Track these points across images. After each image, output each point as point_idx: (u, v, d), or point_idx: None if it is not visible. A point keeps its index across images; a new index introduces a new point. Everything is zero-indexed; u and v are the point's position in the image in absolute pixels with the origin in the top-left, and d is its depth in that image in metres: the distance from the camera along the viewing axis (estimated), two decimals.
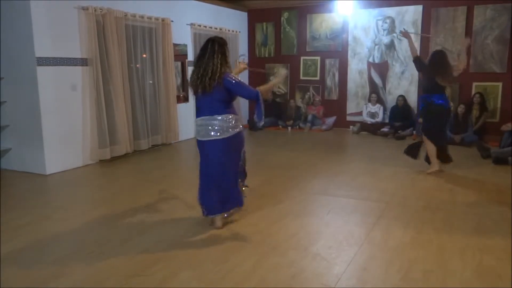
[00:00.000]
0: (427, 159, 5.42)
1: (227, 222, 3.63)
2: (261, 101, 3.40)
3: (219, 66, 3.32)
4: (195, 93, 3.46)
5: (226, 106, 3.42)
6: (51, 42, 5.34)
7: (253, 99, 3.44)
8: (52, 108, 5.42)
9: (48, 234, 3.52)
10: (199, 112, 3.48)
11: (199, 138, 3.47)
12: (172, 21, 7.14)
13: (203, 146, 3.46)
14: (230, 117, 3.42)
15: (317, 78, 9.22)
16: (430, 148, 5.29)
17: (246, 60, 4.63)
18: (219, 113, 3.38)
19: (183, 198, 4.48)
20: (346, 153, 7.07)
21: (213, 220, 3.57)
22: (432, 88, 5.10)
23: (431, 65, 5.08)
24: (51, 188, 5.03)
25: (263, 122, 3.57)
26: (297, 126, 9.09)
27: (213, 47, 3.37)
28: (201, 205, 3.56)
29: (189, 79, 3.60)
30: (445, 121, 5.29)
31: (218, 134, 3.38)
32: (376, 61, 8.56)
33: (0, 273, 2.81)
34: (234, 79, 3.38)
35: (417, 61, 5.27)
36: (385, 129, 8.10)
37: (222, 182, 3.49)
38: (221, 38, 3.50)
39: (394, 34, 8.14)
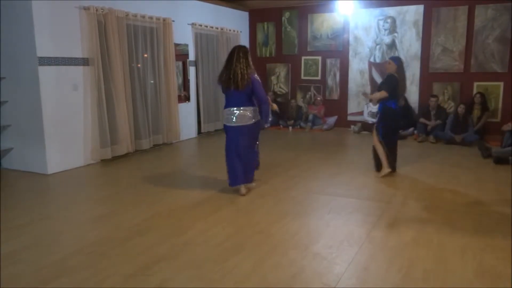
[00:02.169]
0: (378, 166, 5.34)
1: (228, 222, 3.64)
2: (269, 106, 4.38)
3: (245, 68, 4.20)
4: (227, 89, 4.30)
5: (250, 100, 4.30)
6: (53, 42, 5.35)
7: (263, 101, 4.32)
8: (53, 107, 5.43)
9: (49, 233, 3.53)
10: (228, 104, 4.34)
11: (225, 123, 4.39)
12: (173, 21, 7.15)
13: (227, 131, 4.39)
14: (252, 109, 4.30)
15: (318, 77, 9.22)
16: (382, 151, 5.22)
17: None
18: (245, 105, 4.27)
19: (185, 197, 4.48)
20: (347, 153, 7.07)
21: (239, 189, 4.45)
22: (391, 95, 5.05)
23: (402, 80, 5.15)
24: (52, 188, 5.04)
25: (269, 125, 4.52)
26: (298, 126, 9.09)
27: (238, 54, 4.24)
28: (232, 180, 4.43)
29: (218, 78, 4.45)
30: (399, 123, 5.48)
31: (244, 120, 4.28)
32: (377, 60, 8.56)
33: (0, 273, 2.82)
34: (258, 79, 4.30)
35: (391, 91, 5.13)
36: None
37: (245, 158, 4.37)
38: (244, 47, 4.38)
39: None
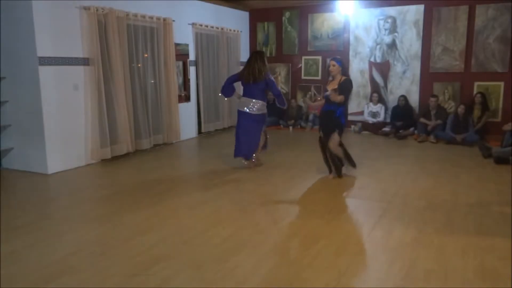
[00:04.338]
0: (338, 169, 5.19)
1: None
2: (282, 97, 5.58)
3: (262, 66, 5.34)
4: (247, 83, 5.38)
5: (262, 94, 5.43)
6: (53, 42, 5.35)
7: (278, 95, 5.51)
8: (54, 107, 5.43)
9: (49, 233, 3.52)
10: (245, 94, 5.44)
11: (239, 109, 5.46)
12: (173, 20, 7.15)
13: (240, 115, 5.46)
14: (262, 103, 5.43)
15: (319, 77, 9.22)
16: (342, 153, 5.18)
17: None
18: (258, 99, 5.39)
19: (185, 197, 4.48)
20: None
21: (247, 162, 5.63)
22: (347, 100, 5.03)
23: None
24: (53, 188, 5.04)
25: (286, 106, 5.80)
26: (299, 126, 9.09)
27: (256, 56, 5.40)
28: (236, 152, 5.56)
29: (239, 75, 5.51)
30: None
31: (254, 110, 5.38)
32: (378, 60, 8.56)
33: (0, 273, 2.82)
34: (271, 77, 5.47)
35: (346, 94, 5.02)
36: (387, 129, 8.10)
37: (250, 139, 5.47)
38: (261, 51, 5.75)
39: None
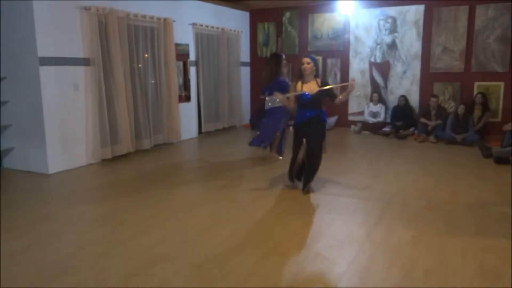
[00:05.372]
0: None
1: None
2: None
3: (274, 69, 5.75)
4: (264, 84, 5.86)
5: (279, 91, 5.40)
6: (54, 42, 5.36)
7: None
8: (54, 107, 5.43)
9: (49, 233, 3.53)
10: (268, 94, 5.75)
11: (266, 108, 5.91)
12: (174, 21, 7.15)
13: (267, 111, 5.91)
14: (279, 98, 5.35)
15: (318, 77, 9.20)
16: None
17: None
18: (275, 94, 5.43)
19: (185, 197, 4.49)
20: (347, 153, 7.06)
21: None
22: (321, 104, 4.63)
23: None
24: (53, 188, 5.04)
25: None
26: None
27: (268, 60, 5.89)
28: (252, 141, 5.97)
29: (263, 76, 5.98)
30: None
31: (273, 103, 5.66)
32: (378, 60, 8.56)
33: (0, 273, 2.82)
34: (283, 80, 5.75)
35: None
36: (387, 129, 8.10)
37: (269, 126, 5.85)
38: (278, 53, 6.06)
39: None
